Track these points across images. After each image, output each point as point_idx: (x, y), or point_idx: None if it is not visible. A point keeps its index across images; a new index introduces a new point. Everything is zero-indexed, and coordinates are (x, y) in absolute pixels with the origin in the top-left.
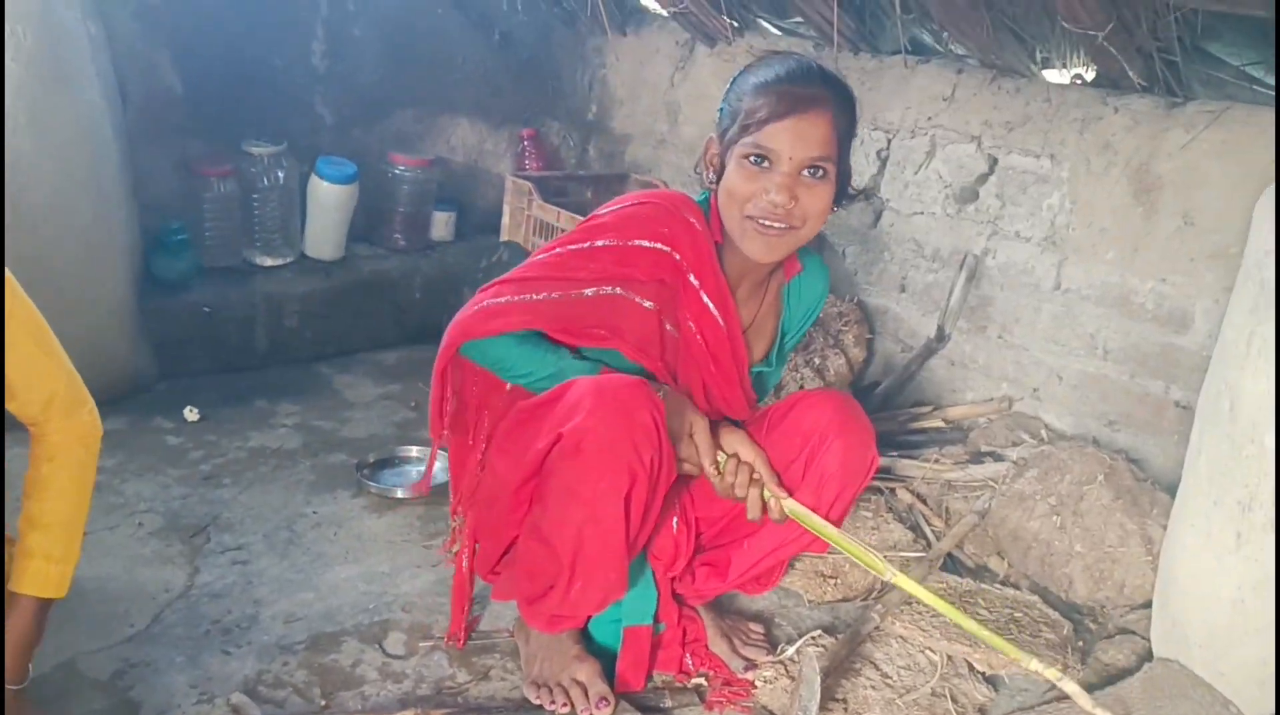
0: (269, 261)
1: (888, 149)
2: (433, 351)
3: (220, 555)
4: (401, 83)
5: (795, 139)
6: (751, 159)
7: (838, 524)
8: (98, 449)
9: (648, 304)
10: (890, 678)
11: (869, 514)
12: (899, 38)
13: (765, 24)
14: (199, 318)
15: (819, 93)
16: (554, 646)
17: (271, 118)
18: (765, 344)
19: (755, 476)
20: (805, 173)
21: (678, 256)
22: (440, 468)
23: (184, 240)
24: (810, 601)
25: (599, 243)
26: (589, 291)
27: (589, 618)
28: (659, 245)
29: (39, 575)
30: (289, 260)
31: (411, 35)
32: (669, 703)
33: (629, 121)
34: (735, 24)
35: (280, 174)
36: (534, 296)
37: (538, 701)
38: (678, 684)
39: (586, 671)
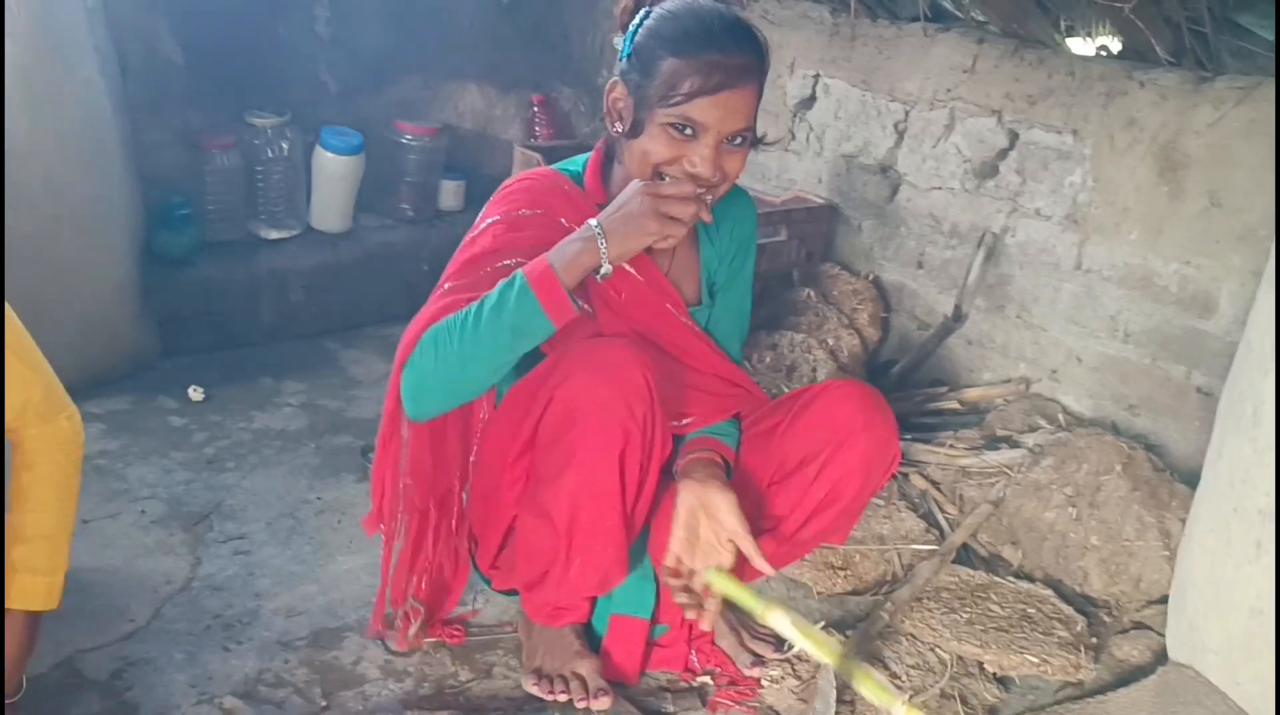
0: (274, 234)
1: (905, 121)
2: None
3: (223, 545)
4: (407, 48)
5: (725, 114)
6: (675, 128)
7: (849, 525)
8: (80, 456)
9: None
10: (899, 677)
11: (881, 502)
12: (919, 4)
13: None
14: (203, 293)
15: (748, 62)
16: (556, 641)
17: (274, 87)
18: (693, 285)
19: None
20: (727, 141)
21: (563, 221)
22: None
23: (186, 215)
24: (819, 594)
25: (484, 224)
26: (498, 266)
27: (591, 612)
28: (541, 211)
29: (25, 589)
30: (294, 233)
31: None
32: (670, 706)
33: None
34: None
35: (284, 145)
36: (440, 305)
37: (536, 691)
38: (682, 683)
39: (588, 666)
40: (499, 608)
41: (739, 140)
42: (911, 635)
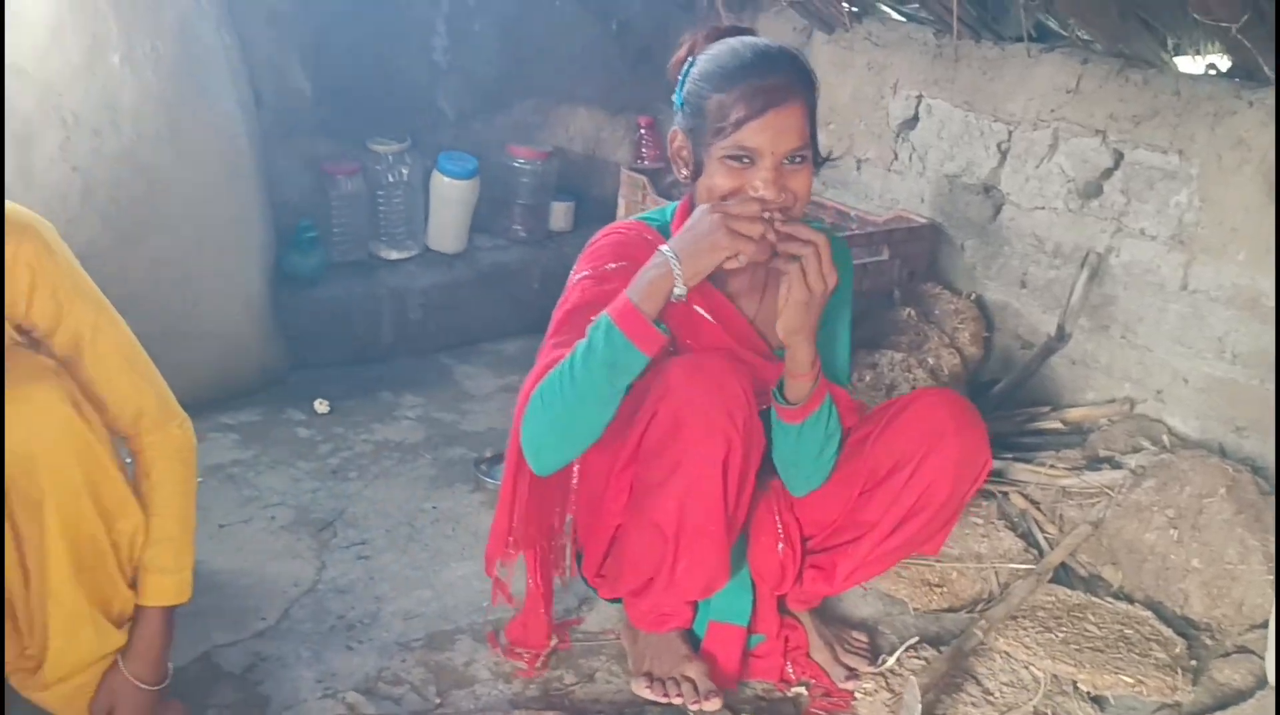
0: (394, 255)
1: (1008, 141)
2: None
3: (346, 550)
4: (520, 74)
5: (775, 135)
6: (732, 159)
7: (942, 534)
8: (194, 460)
9: None
10: (992, 694)
11: (979, 520)
12: (1022, 24)
13: (885, 8)
14: (328, 311)
15: (789, 81)
16: (663, 645)
17: (395, 114)
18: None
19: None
20: (786, 161)
21: None
22: None
23: (314, 237)
24: (915, 610)
25: (576, 280)
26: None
27: (693, 618)
28: (626, 263)
29: (156, 588)
30: (413, 253)
31: (530, 27)
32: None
33: None
34: (854, 10)
35: (404, 170)
36: (542, 364)
37: (648, 694)
38: (777, 693)
39: (696, 670)
40: (601, 615)
41: (798, 159)
42: (1005, 653)
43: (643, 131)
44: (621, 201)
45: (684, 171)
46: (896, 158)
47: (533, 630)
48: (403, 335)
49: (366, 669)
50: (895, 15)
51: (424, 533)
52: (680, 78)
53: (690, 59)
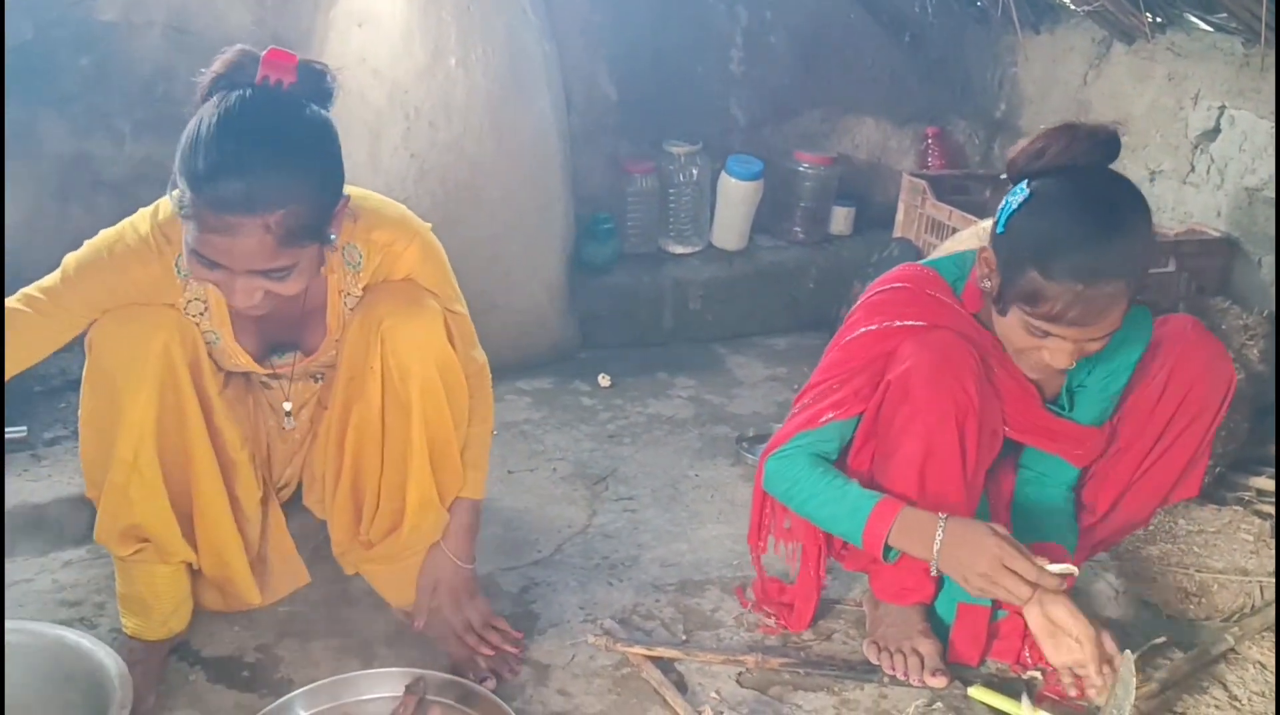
0: (680, 249)
1: None
2: (822, 340)
3: (614, 502)
4: (810, 85)
5: (1086, 335)
6: (1034, 332)
7: (1205, 454)
8: (490, 381)
9: None
10: (1239, 700)
11: (1249, 537)
12: None
13: (1192, 19)
14: (617, 297)
15: (1114, 291)
16: (902, 617)
17: (690, 119)
18: (1054, 387)
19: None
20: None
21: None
22: None
23: (610, 229)
24: (1169, 616)
25: (860, 331)
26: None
27: (935, 593)
28: (915, 322)
29: (474, 482)
30: (697, 249)
31: (823, 40)
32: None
33: (1037, 119)
34: (1157, 20)
35: (695, 171)
36: (806, 401)
37: (875, 661)
38: (1011, 673)
39: (928, 647)
40: (844, 584)
41: (1102, 340)
42: (1260, 663)
43: (929, 140)
44: (901, 205)
45: (986, 284)
46: (1193, 170)
47: (800, 613)
48: (682, 323)
49: (624, 602)
50: (1202, 25)
51: (685, 496)
52: (1013, 202)
53: (1029, 190)
